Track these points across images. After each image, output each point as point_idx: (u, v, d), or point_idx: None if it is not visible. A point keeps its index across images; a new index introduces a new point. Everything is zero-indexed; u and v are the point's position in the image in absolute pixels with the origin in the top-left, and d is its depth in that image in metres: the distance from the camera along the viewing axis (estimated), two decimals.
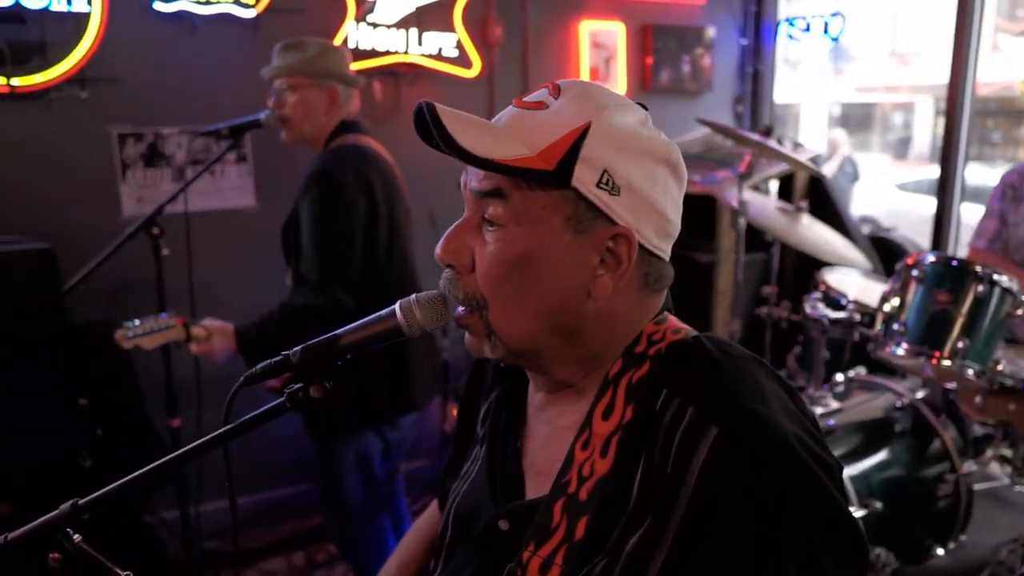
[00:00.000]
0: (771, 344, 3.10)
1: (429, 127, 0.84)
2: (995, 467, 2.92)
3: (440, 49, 3.44)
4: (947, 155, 3.48)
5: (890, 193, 10.84)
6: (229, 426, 0.99)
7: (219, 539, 3.30)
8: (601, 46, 3.85)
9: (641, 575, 0.81)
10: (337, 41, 3.24)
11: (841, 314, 2.43)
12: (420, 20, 3.40)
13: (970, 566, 2.48)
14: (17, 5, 2.72)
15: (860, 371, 2.67)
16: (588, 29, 3.81)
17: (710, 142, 3.94)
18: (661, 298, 0.96)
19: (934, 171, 3.69)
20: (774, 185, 4.01)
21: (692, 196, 3.56)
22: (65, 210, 2.92)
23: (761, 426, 0.80)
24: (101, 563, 0.98)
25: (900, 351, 2.20)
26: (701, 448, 0.80)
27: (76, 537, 0.96)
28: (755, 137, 2.61)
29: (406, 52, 3.37)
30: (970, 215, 3.47)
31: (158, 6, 2.93)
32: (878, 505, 2.18)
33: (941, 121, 3.32)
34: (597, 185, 0.85)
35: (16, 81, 2.77)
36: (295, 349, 0.96)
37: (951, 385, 2.42)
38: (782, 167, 3.61)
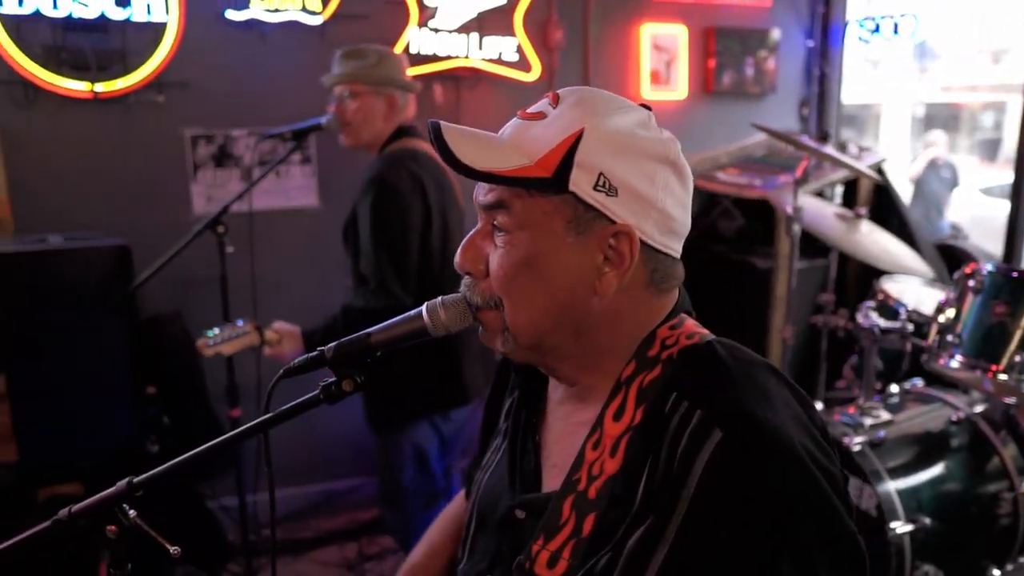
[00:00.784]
0: (827, 353, 3.04)
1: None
2: None
3: (500, 53, 3.49)
4: (1022, 158, 3.33)
5: (975, 198, 10.39)
6: (268, 415, 1.06)
7: (278, 526, 3.44)
8: (662, 49, 3.83)
9: (641, 572, 0.83)
10: (399, 46, 3.33)
11: (894, 324, 2.37)
12: (481, 25, 3.45)
13: None
14: (102, 16, 2.89)
15: (917, 383, 2.59)
16: (649, 32, 3.80)
17: (773, 146, 3.88)
18: (671, 298, 0.98)
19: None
20: (839, 191, 3.92)
21: (752, 201, 3.54)
22: (140, 208, 3.09)
23: (765, 432, 0.82)
24: (152, 537, 1.07)
25: (954, 364, 2.14)
26: (705, 451, 0.82)
27: (131, 513, 1.05)
28: (810, 143, 2.56)
29: (467, 56, 3.44)
30: None
31: (230, 15, 3.07)
32: (927, 521, 2.12)
33: None
34: (594, 188, 0.88)
35: (99, 87, 2.94)
36: (329, 345, 1.02)
37: (1011, 400, 2.33)
38: (846, 172, 3.53)
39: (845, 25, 4.08)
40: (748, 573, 0.79)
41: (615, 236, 0.90)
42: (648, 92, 3.83)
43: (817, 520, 0.81)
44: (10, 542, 1.04)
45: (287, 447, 3.38)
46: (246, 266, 2.61)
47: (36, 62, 2.86)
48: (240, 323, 2.31)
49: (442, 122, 0.92)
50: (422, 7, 3.34)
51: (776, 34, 4.01)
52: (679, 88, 3.88)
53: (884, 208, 3.60)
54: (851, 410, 2.40)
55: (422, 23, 3.35)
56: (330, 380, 1.02)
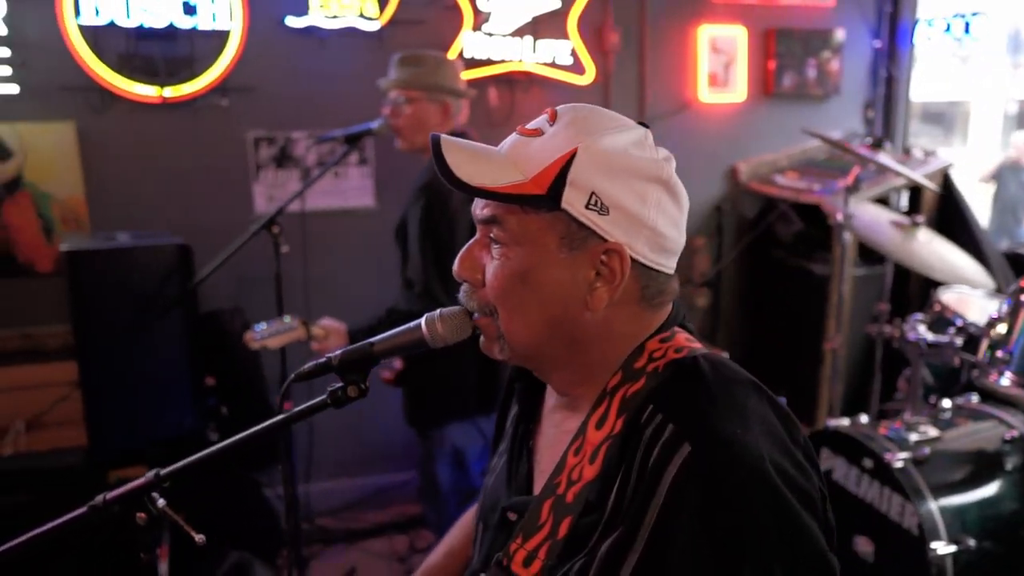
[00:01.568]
0: (882, 364, 2.96)
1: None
2: None
3: (554, 57, 3.51)
4: None
5: None
6: (280, 416, 1.13)
7: (331, 516, 3.55)
8: (721, 51, 3.78)
9: None
10: (454, 50, 3.38)
11: (942, 337, 2.30)
12: (535, 28, 3.48)
13: None
14: (170, 25, 3.04)
15: (972, 398, 2.51)
16: (708, 34, 3.76)
17: (835, 150, 3.79)
18: (663, 312, 1.00)
19: None
20: (905, 196, 3.80)
21: (811, 207, 3.46)
22: (205, 207, 3.23)
23: (732, 448, 0.84)
24: (180, 525, 1.15)
25: (1005, 381, 2.06)
26: (673, 464, 0.84)
27: (161, 502, 1.13)
28: (861, 149, 2.50)
29: (520, 60, 3.47)
30: None
31: (290, 22, 3.18)
32: (971, 542, 2.06)
33: None
34: (586, 206, 0.91)
35: (168, 92, 3.09)
36: (336, 352, 1.08)
37: None
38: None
39: (914, 24, 3.94)
40: None
41: (606, 253, 0.93)
42: (705, 94, 3.79)
43: (781, 536, 0.81)
44: (52, 524, 1.14)
45: (343, 441, 3.52)
46: (307, 264, 2.71)
47: (111, 69, 3.02)
48: (287, 319, 2.40)
49: (443, 136, 0.96)
50: (476, 11, 3.39)
51: (840, 35, 3.91)
52: (738, 90, 3.82)
53: (950, 215, 3.48)
54: (897, 424, 2.34)
55: (476, 27, 3.40)
56: (337, 385, 1.07)
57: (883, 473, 2.20)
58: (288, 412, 1.13)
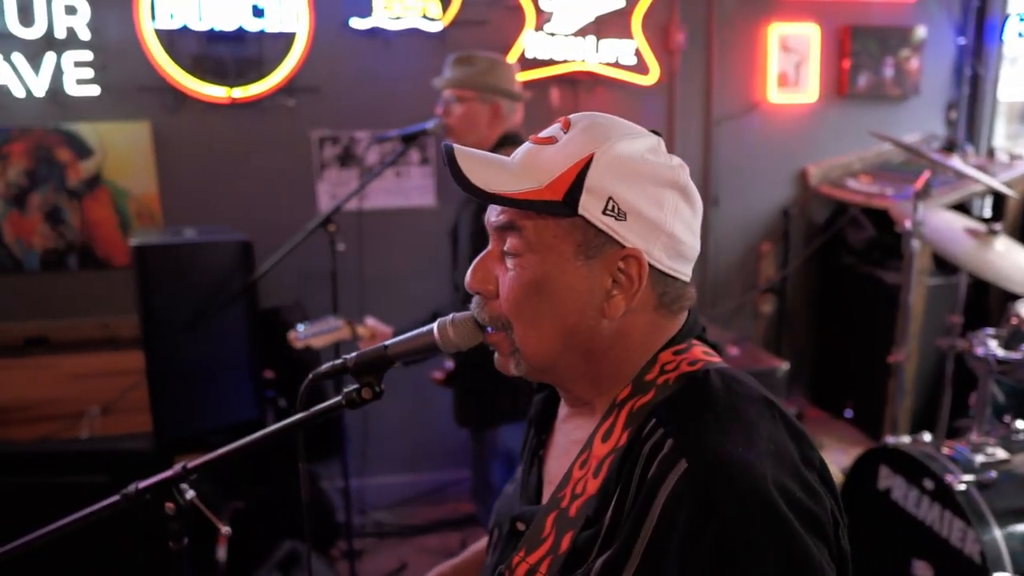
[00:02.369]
0: (953, 379, 2.81)
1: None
2: None
3: (617, 57, 3.46)
4: None
5: None
6: (296, 416, 1.15)
7: (386, 511, 3.61)
8: (791, 50, 3.67)
9: None
10: (515, 50, 3.38)
11: (1014, 354, 2.17)
12: (599, 28, 3.44)
13: None
14: (240, 28, 3.14)
15: None
16: (778, 32, 3.65)
17: (912, 154, 3.62)
18: (679, 320, 0.98)
19: None
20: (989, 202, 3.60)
21: (884, 212, 3.32)
22: (270, 204, 3.33)
23: (731, 466, 0.81)
24: (207, 516, 1.19)
25: None
26: (669, 480, 0.82)
27: (190, 493, 1.17)
28: (931, 153, 2.38)
29: (583, 60, 3.44)
30: None
31: (354, 23, 3.24)
32: None
33: None
34: (603, 212, 0.90)
35: (236, 92, 3.19)
36: (351, 355, 1.09)
37: None
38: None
39: (1005, 19, 3.73)
40: None
41: (624, 260, 0.91)
42: (774, 95, 3.68)
43: (777, 559, 0.78)
44: (89, 510, 1.19)
45: (401, 437, 3.58)
46: (364, 262, 2.76)
47: (184, 71, 3.14)
48: (331, 318, 2.44)
49: (456, 145, 0.96)
50: (539, 11, 3.38)
51: (921, 32, 3.73)
52: (809, 91, 3.70)
53: None
54: (963, 445, 2.23)
55: (539, 27, 3.39)
56: (352, 387, 1.09)
57: (944, 496, 2.10)
58: (302, 414, 1.15)
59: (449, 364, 2.58)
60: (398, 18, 3.27)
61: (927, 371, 3.30)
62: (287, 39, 3.21)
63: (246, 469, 3.18)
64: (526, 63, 3.40)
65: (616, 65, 3.47)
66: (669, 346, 0.97)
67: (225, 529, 1.23)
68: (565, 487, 0.94)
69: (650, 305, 0.95)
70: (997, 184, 2.38)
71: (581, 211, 0.90)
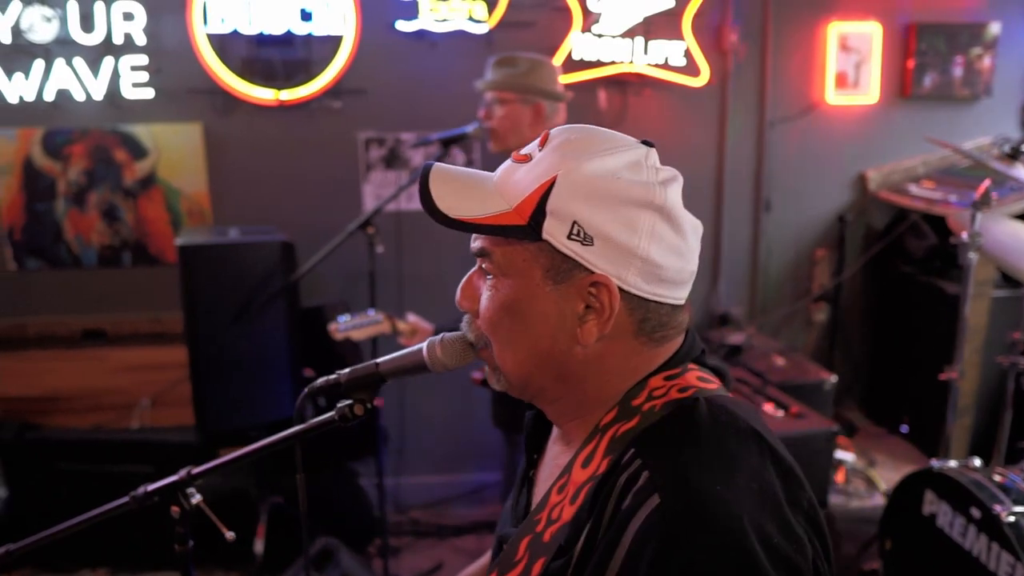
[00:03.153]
0: (1014, 398, 2.65)
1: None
2: None
3: (666, 58, 3.39)
4: None
5: None
6: (293, 429, 1.17)
7: (423, 510, 3.62)
8: (852, 49, 3.52)
9: None
10: (562, 52, 3.34)
11: None
12: (648, 29, 3.37)
13: None
14: (288, 32, 3.19)
15: None
16: (837, 31, 3.51)
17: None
18: (669, 347, 0.94)
19: None
20: None
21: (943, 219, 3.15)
22: (317, 205, 3.37)
23: (705, 504, 0.77)
24: (212, 520, 1.21)
25: None
26: (640, 514, 0.79)
27: (196, 498, 1.20)
28: (991, 160, 2.25)
29: (631, 62, 3.38)
30: None
31: (400, 25, 3.25)
32: None
33: None
34: (568, 237, 0.87)
35: (284, 95, 3.24)
36: (344, 371, 1.10)
37: None
38: None
39: None
40: None
41: (593, 286, 0.88)
42: (832, 96, 3.54)
43: None
44: (100, 509, 1.23)
45: (439, 437, 3.59)
46: (403, 263, 2.77)
47: (235, 73, 3.21)
48: (371, 312, 2.46)
49: (437, 164, 0.94)
50: (586, 12, 3.33)
51: (995, 28, 3.53)
52: (870, 92, 3.54)
53: None
54: (1016, 472, 2.10)
55: (586, 28, 3.34)
56: (346, 403, 1.10)
57: (992, 526, 1.98)
58: (296, 428, 1.16)
59: None
60: (444, 20, 3.26)
61: (989, 389, 3.13)
62: (334, 42, 3.24)
63: (287, 464, 3.25)
64: (573, 65, 3.35)
65: (665, 67, 3.40)
66: (662, 370, 0.93)
67: (230, 535, 1.24)
68: (541, 511, 0.92)
69: (628, 332, 0.91)
70: None
71: (545, 236, 0.87)
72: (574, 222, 0.86)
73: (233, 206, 3.35)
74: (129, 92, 3.19)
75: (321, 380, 1.11)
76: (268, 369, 2.89)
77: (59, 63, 3.11)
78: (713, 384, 0.94)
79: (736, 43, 3.47)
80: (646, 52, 3.38)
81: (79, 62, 3.13)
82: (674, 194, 0.90)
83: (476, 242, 0.93)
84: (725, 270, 3.65)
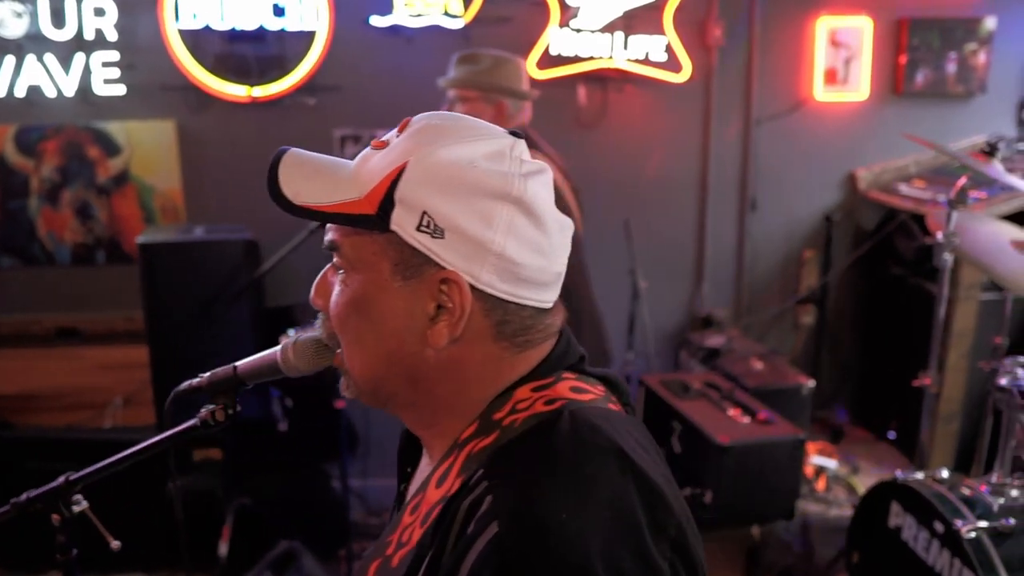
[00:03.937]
0: (995, 408, 2.55)
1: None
2: None
3: (647, 53, 3.31)
4: None
5: None
6: (155, 439, 1.12)
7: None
8: (841, 44, 3.42)
9: None
10: (539, 47, 3.27)
11: None
12: (628, 24, 3.30)
13: None
14: (261, 27, 3.15)
15: None
16: (826, 26, 3.41)
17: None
18: (536, 353, 0.86)
19: None
20: None
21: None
22: None
23: (546, 536, 0.70)
24: (97, 528, 1.16)
25: None
26: (479, 543, 0.72)
27: (82, 505, 1.15)
28: (965, 157, 2.15)
29: (610, 57, 3.30)
30: None
31: (374, 21, 3.21)
32: None
33: None
34: (417, 228, 0.80)
35: (256, 91, 3.21)
36: (205, 375, 1.05)
37: None
38: None
39: None
40: None
41: (444, 283, 0.81)
42: (821, 93, 3.44)
43: None
44: None
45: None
46: None
47: (207, 70, 3.17)
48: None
49: (292, 149, 0.88)
50: (564, 7, 3.25)
51: (990, 23, 3.42)
52: (860, 88, 3.44)
53: None
54: (982, 487, 2.00)
55: (564, 23, 3.27)
56: (210, 407, 1.05)
57: (954, 542, 1.88)
58: (160, 436, 1.11)
59: None
60: (419, 15, 3.21)
61: (977, 395, 3.02)
62: (307, 38, 3.20)
63: (256, 465, 3.21)
64: (551, 60, 3.29)
65: (646, 62, 3.32)
66: (531, 380, 0.85)
67: (115, 543, 1.19)
68: (393, 532, 0.85)
69: (486, 335, 0.83)
70: None
71: (393, 226, 0.80)
72: (424, 212, 0.79)
73: (207, 203, 3.32)
74: (101, 89, 3.16)
75: (185, 384, 1.07)
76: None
77: (30, 59, 3.09)
78: (590, 395, 0.86)
79: (721, 38, 3.38)
80: (626, 47, 3.30)
81: (50, 58, 3.11)
82: (537, 187, 0.83)
83: (328, 235, 0.87)
84: (709, 271, 3.56)
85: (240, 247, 2.79)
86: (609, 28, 3.29)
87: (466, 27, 3.25)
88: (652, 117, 3.47)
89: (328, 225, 0.87)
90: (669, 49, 3.32)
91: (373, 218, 0.81)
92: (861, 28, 3.42)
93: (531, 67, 3.23)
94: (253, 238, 2.81)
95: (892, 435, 3.34)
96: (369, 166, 0.84)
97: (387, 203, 0.80)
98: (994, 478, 1.98)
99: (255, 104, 3.25)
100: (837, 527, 2.73)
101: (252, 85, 3.21)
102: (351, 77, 3.28)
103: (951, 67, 3.44)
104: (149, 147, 3.26)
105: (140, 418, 3.23)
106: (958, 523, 1.85)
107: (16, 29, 3.06)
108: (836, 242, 3.52)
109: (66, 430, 3.21)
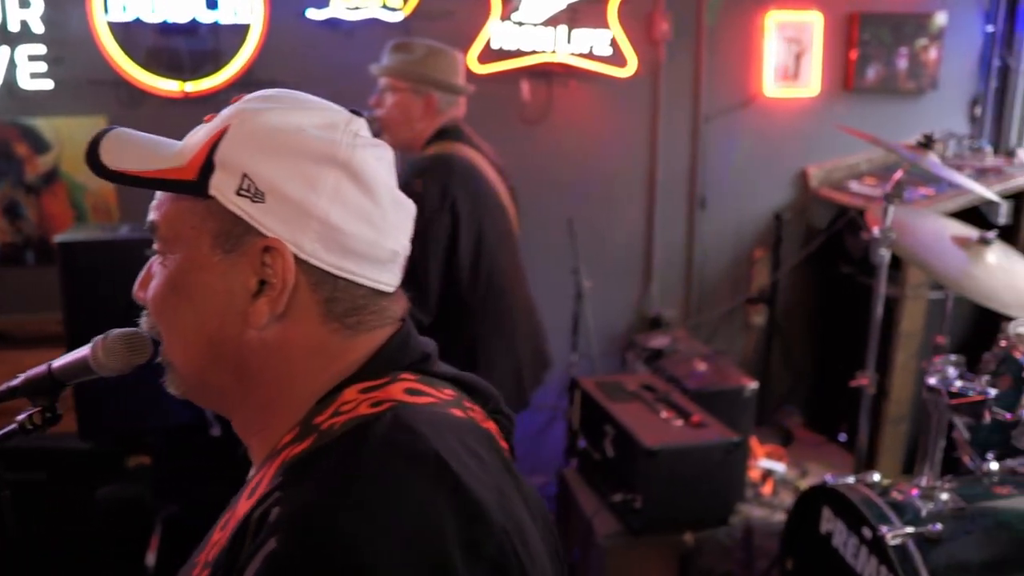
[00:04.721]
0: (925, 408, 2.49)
1: None
2: None
3: (591, 47, 3.24)
4: None
5: None
6: None
7: None
8: (791, 39, 3.37)
9: None
10: (480, 41, 3.20)
11: (972, 385, 1.86)
12: (572, 17, 3.23)
13: None
14: (193, 20, 3.06)
15: None
16: (776, 20, 3.36)
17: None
18: (370, 341, 0.80)
19: None
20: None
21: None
22: None
23: (318, 553, 0.63)
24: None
25: None
26: (255, 561, 0.65)
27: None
28: (902, 149, 2.10)
29: (553, 51, 3.23)
30: None
31: (311, 14, 3.12)
32: None
33: None
34: (237, 192, 0.75)
35: (189, 86, 3.11)
36: (21, 375, 0.97)
37: None
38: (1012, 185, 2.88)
39: None
40: None
41: (267, 252, 0.75)
42: (771, 89, 3.39)
43: None
44: None
45: None
46: None
47: (138, 64, 3.08)
48: None
49: (120, 128, 0.83)
50: (505, 1, 3.18)
51: (941, 19, 3.38)
52: (810, 84, 3.39)
53: None
54: (913, 491, 1.93)
55: (505, 16, 3.20)
56: (29, 411, 0.98)
57: (880, 549, 1.81)
58: None
59: None
60: (356, 8, 3.13)
61: (914, 400, 2.97)
62: (242, 31, 3.11)
63: (187, 472, 3.11)
64: (492, 54, 3.22)
65: (590, 56, 3.25)
66: (362, 379, 0.78)
67: None
68: (202, 551, 0.78)
69: (313, 315, 0.77)
70: (977, 187, 2.07)
71: (212, 191, 0.75)
72: (244, 175, 0.75)
73: (141, 202, 3.16)
74: (28, 83, 3.05)
75: (4, 386, 0.99)
76: (160, 373, 2.75)
77: None
78: (428, 399, 0.79)
79: (668, 32, 3.32)
80: (569, 41, 3.23)
81: None
82: (367, 156, 0.78)
83: (150, 215, 0.82)
84: (658, 271, 3.49)
85: None
86: (552, 21, 3.22)
87: (406, 20, 3.17)
88: (598, 113, 3.40)
89: (151, 205, 0.82)
90: (614, 43, 3.25)
91: (193, 183, 0.76)
92: (811, 23, 3.37)
93: (472, 61, 3.15)
94: None
95: (843, 437, 3.29)
96: (195, 138, 0.79)
97: (207, 167, 0.75)
98: (924, 481, 1.91)
99: (188, 99, 3.15)
100: (781, 532, 2.67)
101: (185, 80, 3.12)
102: (288, 72, 3.19)
103: (902, 63, 3.39)
104: (80, 144, 3.12)
105: (71, 424, 3.12)
106: (883, 529, 1.78)
107: None
108: (787, 241, 3.47)
109: None
